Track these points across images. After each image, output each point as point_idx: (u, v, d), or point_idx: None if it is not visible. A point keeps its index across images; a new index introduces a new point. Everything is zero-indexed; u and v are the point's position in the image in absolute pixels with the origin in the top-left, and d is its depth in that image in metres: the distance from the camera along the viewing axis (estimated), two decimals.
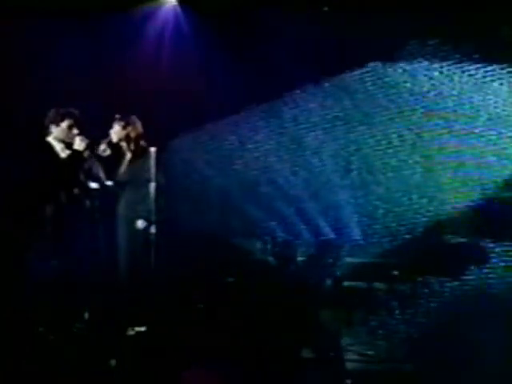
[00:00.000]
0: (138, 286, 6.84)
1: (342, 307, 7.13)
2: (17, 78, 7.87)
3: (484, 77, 8.14)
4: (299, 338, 6.20)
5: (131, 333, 6.15)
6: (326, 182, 8.49)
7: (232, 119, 8.65)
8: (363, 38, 8.20)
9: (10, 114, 7.79)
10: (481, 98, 8.13)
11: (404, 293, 7.51)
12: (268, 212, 8.45)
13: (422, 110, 8.31)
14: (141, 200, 6.96)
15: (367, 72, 8.47)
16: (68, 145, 6.75)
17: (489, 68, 8.12)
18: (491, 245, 7.69)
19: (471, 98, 8.17)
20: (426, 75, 8.32)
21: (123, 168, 7.18)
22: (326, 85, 8.54)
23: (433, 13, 7.95)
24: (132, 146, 7.17)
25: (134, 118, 7.18)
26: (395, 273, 7.71)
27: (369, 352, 6.27)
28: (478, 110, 8.14)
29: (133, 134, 7.16)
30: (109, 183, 7.06)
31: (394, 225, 8.17)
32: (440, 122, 8.24)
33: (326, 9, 8.51)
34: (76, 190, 6.78)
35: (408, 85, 8.37)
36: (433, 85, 8.30)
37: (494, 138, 8.07)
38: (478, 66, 8.14)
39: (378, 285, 7.71)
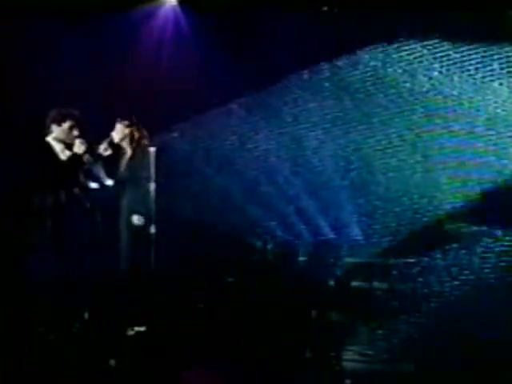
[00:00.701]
0: (138, 286, 6.85)
1: (342, 307, 7.13)
2: (16, 78, 7.86)
3: (484, 77, 8.14)
4: (299, 338, 6.20)
5: (131, 333, 6.15)
6: (326, 182, 8.49)
7: (232, 119, 8.65)
8: (363, 38, 8.21)
9: (10, 113, 7.78)
10: (481, 98, 8.13)
11: (404, 293, 7.51)
12: (268, 212, 8.45)
13: (422, 110, 8.31)
14: (141, 199, 6.97)
15: (367, 72, 8.47)
16: (68, 146, 6.75)
17: (489, 68, 8.12)
18: (491, 245, 7.69)
19: (471, 98, 8.17)
20: (425, 75, 8.32)
21: (123, 167, 7.19)
22: (326, 85, 8.55)
23: (433, 13, 7.95)
24: (133, 146, 7.18)
25: (135, 118, 7.19)
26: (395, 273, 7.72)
27: (369, 352, 6.27)
28: (478, 110, 8.14)
29: (134, 134, 7.18)
30: (109, 183, 7.07)
31: (393, 225, 8.17)
32: (440, 121, 8.24)
33: (325, 9, 8.50)
34: (76, 190, 6.78)
35: (408, 85, 8.37)
36: (433, 85, 8.30)
37: (493, 137, 8.07)
38: (478, 66, 8.14)
39: (377, 285, 7.71)
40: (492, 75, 8.12)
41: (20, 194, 6.76)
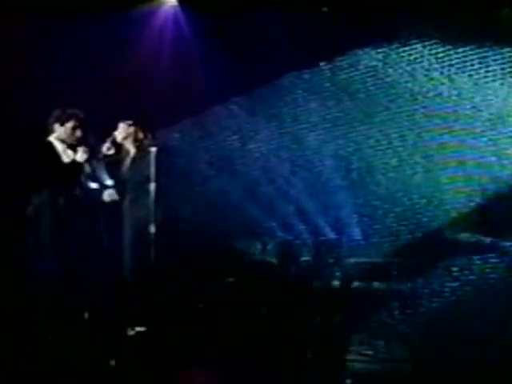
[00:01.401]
0: (138, 286, 6.84)
1: (342, 307, 7.13)
2: (16, 78, 7.86)
3: (484, 77, 8.13)
4: (299, 338, 6.21)
5: (131, 333, 6.15)
6: (327, 182, 8.49)
7: (232, 119, 8.65)
8: (363, 38, 8.21)
9: (10, 113, 7.78)
10: (481, 98, 8.13)
11: (404, 293, 7.51)
12: (268, 212, 8.45)
13: (422, 110, 8.31)
14: (141, 199, 6.97)
15: (367, 72, 8.47)
16: (70, 146, 6.75)
17: (489, 68, 8.12)
18: (491, 245, 7.69)
19: (471, 97, 8.16)
20: (426, 75, 8.32)
21: (125, 167, 7.20)
22: (326, 85, 8.55)
23: (433, 12, 7.95)
24: (135, 146, 7.19)
25: (136, 118, 7.21)
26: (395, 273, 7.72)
27: (369, 352, 6.27)
28: (478, 110, 8.13)
29: (136, 134, 7.18)
30: (110, 183, 7.06)
31: (394, 225, 8.17)
32: (440, 121, 8.24)
33: (325, 9, 8.50)
34: (77, 190, 6.78)
35: (408, 85, 8.37)
36: (433, 85, 8.30)
37: (494, 137, 8.07)
38: (478, 66, 8.14)
39: (377, 285, 7.70)
40: (492, 75, 8.12)
41: (21, 194, 6.76)
